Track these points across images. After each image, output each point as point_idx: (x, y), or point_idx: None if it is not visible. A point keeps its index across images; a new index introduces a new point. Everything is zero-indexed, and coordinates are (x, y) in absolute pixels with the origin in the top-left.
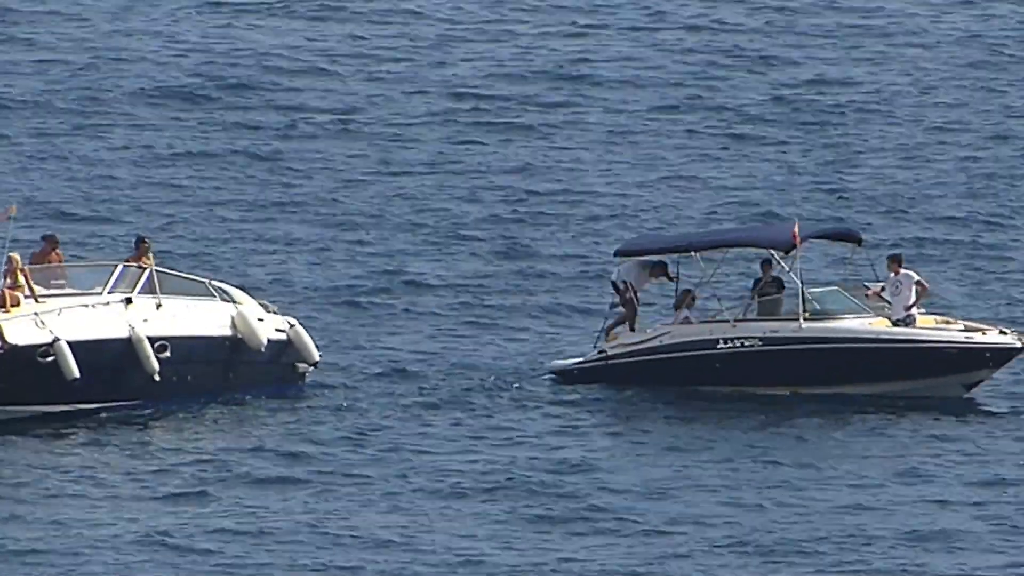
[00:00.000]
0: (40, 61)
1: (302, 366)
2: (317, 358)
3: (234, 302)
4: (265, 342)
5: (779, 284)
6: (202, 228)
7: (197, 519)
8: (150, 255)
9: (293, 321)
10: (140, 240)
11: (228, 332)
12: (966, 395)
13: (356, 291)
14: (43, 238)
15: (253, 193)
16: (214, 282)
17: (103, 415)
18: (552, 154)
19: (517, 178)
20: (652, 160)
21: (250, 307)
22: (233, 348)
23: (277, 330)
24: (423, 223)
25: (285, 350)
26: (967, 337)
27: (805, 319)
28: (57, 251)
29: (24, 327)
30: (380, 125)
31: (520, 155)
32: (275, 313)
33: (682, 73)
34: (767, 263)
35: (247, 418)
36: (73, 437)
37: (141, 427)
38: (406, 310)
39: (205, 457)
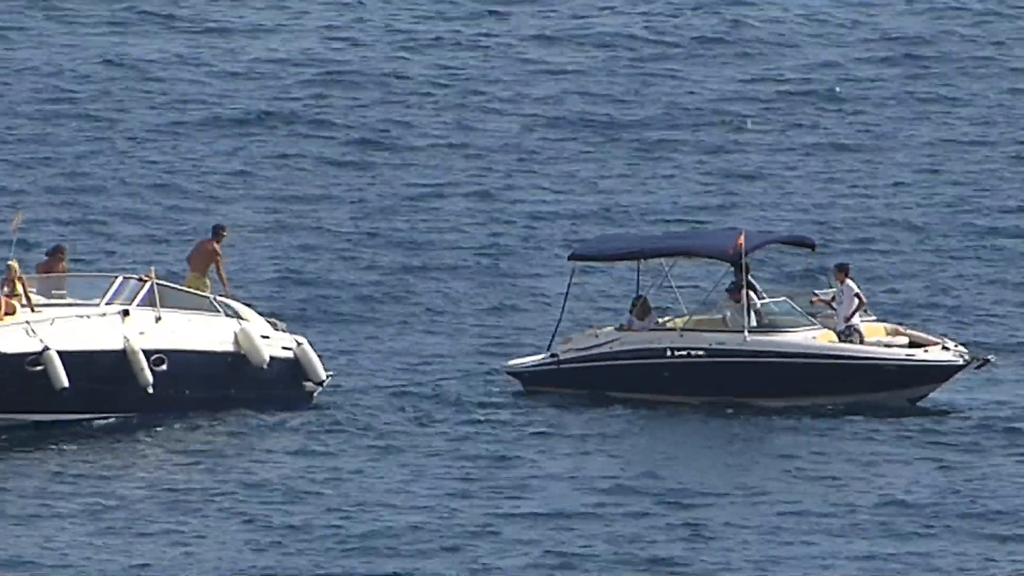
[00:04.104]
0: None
1: (309, 385)
2: (324, 377)
3: (239, 318)
4: (267, 360)
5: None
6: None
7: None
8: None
9: (301, 339)
10: (219, 228)
11: (229, 348)
12: (911, 407)
13: (323, 297)
14: (49, 253)
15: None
16: (219, 297)
17: (95, 423)
18: (512, 162)
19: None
20: (605, 166)
21: (254, 324)
22: (234, 365)
23: (283, 348)
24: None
25: (291, 368)
26: (908, 355)
27: (750, 331)
28: (62, 264)
29: (14, 335)
30: (359, 144)
31: (478, 166)
32: (283, 331)
33: (640, 79)
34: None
35: (237, 428)
36: (65, 442)
37: (136, 433)
38: (367, 312)
39: (197, 463)
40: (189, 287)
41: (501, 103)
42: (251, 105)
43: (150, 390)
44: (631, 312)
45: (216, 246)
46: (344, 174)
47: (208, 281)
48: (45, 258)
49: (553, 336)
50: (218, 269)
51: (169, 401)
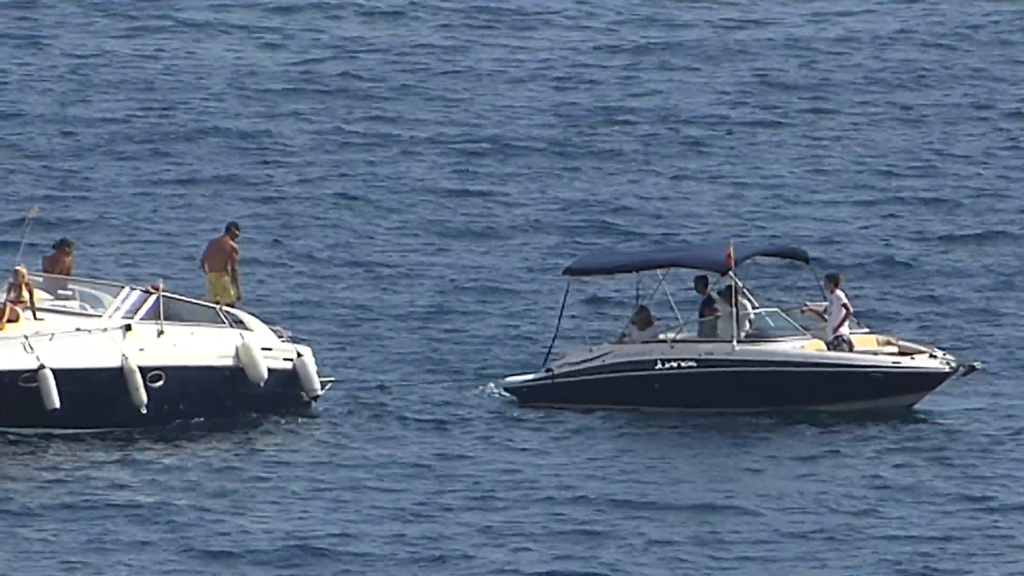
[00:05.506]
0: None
1: (305, 395)
2: (319, 391)
3: (244, 329)
4: (265, 374)
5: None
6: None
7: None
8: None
9: (304, 351)
10: (233, 225)
11: (228, 362)
12: (901, 416)
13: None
14: (55, 245)
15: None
16: (225, 308)
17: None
18: (503, 172)
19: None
20: (599, 177)
21: (257, 336)
22: (232, 378)
23: (284, 359)
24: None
25: (288, 379)
26: (895, 362)
27: (739, 341)
28: (68, 259)
29: (11, 351)
30: (362, 148)
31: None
32: (287, 340)
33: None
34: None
35: (228, 439)
36: (46, 450)
37: (125, 443)
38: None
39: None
40: (212, 287)
41: (503, 107)
42: (249, 107)
43: (143, 410)
44: (632, 322)
45: (233, 243)
46: (343, 177)
47: (228, 280)
48: (52, 251)
49: (549, 352)
50: (233, 268)
51: (163, 416)
